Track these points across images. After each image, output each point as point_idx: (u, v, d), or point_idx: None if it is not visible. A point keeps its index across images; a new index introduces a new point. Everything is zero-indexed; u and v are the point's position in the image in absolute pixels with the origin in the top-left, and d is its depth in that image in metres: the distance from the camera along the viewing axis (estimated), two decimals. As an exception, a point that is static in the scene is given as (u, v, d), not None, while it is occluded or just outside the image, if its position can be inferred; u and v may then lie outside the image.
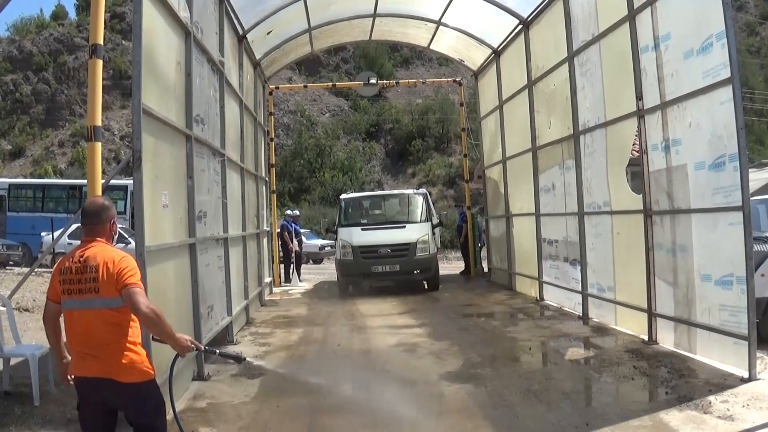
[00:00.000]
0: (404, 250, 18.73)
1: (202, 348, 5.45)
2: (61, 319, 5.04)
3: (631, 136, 11.58)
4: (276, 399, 8.60)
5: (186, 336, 5.08)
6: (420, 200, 20.77)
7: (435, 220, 21.42)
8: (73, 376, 4.94)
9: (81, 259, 4.89)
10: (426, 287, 19.68)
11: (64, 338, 5.09)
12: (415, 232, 19.20)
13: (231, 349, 11.44)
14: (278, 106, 59.05)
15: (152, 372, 4.97)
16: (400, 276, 19.08)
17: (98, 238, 5.03)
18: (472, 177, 24.01)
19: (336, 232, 20.35)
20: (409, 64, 75.66)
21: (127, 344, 4.85)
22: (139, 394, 4.89)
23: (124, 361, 4.79)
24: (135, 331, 4.93)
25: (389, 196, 23.93)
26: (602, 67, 12.14)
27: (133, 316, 4.85)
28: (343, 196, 22.32)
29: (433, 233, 20.17)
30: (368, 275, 18.93)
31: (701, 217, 9.34)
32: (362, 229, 19.55)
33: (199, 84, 10.78)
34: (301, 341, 12.61)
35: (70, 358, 5.07)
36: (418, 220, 20.04)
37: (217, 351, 5.70)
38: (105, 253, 4.90)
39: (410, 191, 22.33)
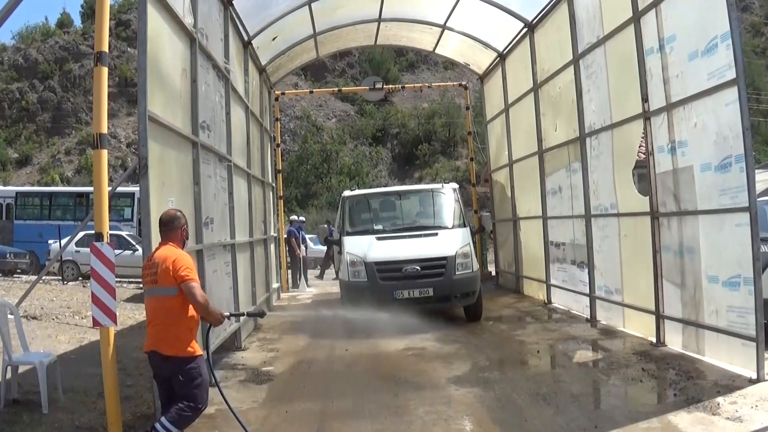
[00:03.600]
0: (439, 267, 13.57)
1: (228, 315, 6.99)
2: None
3: (638, 138, 11.57)
4: (284, 404, 8.61)
5: (219, 310, 6.66)
6: (451, 197, 15.78)
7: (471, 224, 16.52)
8: None
9: (151, 258, 6.44)
10: (465, 316, 14.59)
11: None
12: (452, 241, 14.20)
13: (239, 354, 11.48)
14: (284, 112, 59.09)
15: (194, 350, 6.28)
16: (434, 303, 13.64)
17: (169, 243, 6.49)
18: (478, 180, 23.83)
19: (338, 243, 15.62)
20: (414, 68, 75.63)
21: (174, 326, 6.22)
22: (179, 367, 6.19)
23: (171, 338, 6.19)
24: (182, 314, 6.25)
25: (409, 192, 17.42)
26: (607, 69, 12.14)
27: (183, 302, 6.21)
28: (347, 193, 16.74)
29: (474, 243, 15.52)
30: (389, 304, 13.03)
31: (708, 218, 9.33)
32: (377, 239, 14.43)
33: (205, 90, 10.81)
34: (309, 346, 12.62)
35: None
36: (452, 224, 15.08)
37: (245, 312, 7.73)
38: (168, 252, 6.33)
39: (437, 186, 16.84)
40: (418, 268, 13.46)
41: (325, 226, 18.84)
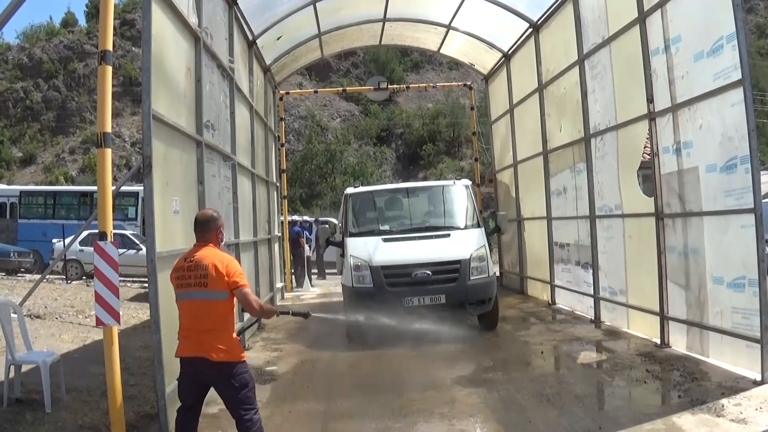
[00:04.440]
0: (452, 272, 12.49)
1: (278, 312, 6.85)
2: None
3: (642, 139, 11.54)
4: (288, 404, 8.61)
5: (271, 306, 6.99)
6: (464, 195, 14.48)
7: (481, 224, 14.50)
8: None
9: (193, 260, 6.13)
10: (479, 324, 13.46)
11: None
12: (466, 243, 13.02)
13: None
14: (289, 112, 59.10)
15: (241, 355, 6.18)
16: (447, 311, 12.30)
17: (209, 244, 6.29)
18: (483, 181, 23.75)
19: (340, 244, 14.29)
20: (419, 68, 75.55)
21: (225, 331, 6.07)
22: (233, 373, 6.03)
23: (218, 345, 5.96)
24: (230, 319, 6.15)
25: (417, 189, 16.10)
26: (613, 69, 12.12)
27: (230, 307, 6.12)
28: (350, 190, 15.21)
29: (490, 244, 14.26)
30: (397, 312, 11.59)
31: (713, 219, 9.31)
32: (384, 240, 13.24)
33: (209, 90, 10.80)
34: (312, 346, 12.61)
35: None
36: (465, 224, 13.86)
37: (290, 312, 7.18)
38: (214, 255, 6.14)
39: (448, 182, 15.33)
40: (429, 272, 12.31)
41: (326, 226, 17.95)
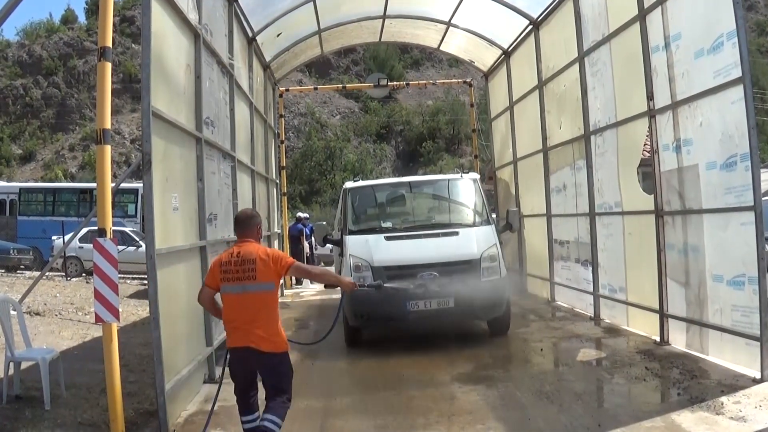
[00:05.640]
0: (462, 272, 11.29)
1: (366, 285, 7.59)
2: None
3: (642, 136, 11.54)
4: (287, 401, 8.59)
5: (350, 279, 7.27)
6: (472, 189, 13.45)
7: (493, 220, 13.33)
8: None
9: (238, 255, 6.43)
10: (489, 329, 12.49)
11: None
12: (476, 241, 11.99)
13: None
14: (288, 109, 59.15)
15: (285, 345, 6.52)
16: (455, 316, 11.62)
17: (251, 240, 6.63)
18: (483, 178, 23.72)
19: (338, 243, 13.13)
20: (419, 65, 75.65)
21: (272, 321, 6.43)
22: (274, 362, 6.43)
23: (263, 335, 6.32)
24: (276, 310, 6.53)
25: (422, 183, 15.21)
26: (613, 67, 12.11)
27: (276, 298, 6.51)
28: (349, 184, 14.05)
29: (501, 242, 12.75)
30: (402, 317, 11.22)
31: (713, 217, 9.31)
32: (386, 239, 12.14)
33: (209, 86, 10.79)
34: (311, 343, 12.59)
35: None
36: (474, 221, 12.84)
37: (382, 283, 7.74)
38: (258, 249, 6.47)
39: (454, 176, 14.18)
40: (435, 273, 11.07)
41: (324, 223, 17.29)
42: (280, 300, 18.62)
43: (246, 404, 6.68)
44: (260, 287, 6.33)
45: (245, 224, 6.75)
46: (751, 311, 8.45)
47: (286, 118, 34.37)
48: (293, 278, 23.02)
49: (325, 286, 7.35)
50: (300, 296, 20.40)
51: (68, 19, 78.36)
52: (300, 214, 26.33)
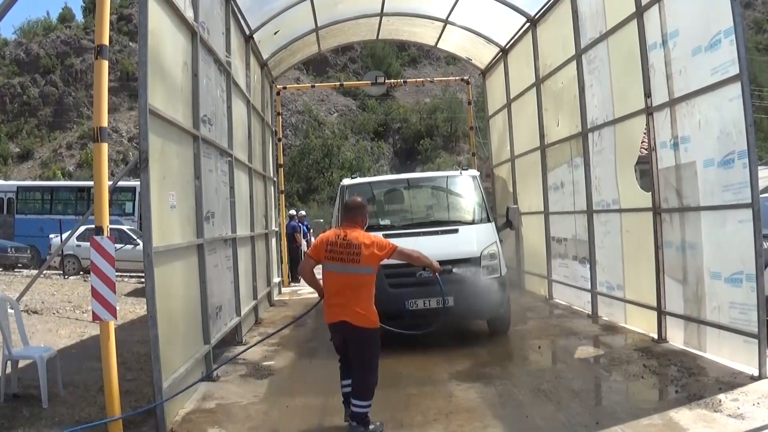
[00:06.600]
0: (461, 271, 10.75)
1: (438, 269, 8.02)
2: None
3: (640, 134, 11.54)
4: (285, 399, 8.60)
5: (426, 258, 7.83)
6: (472, 186, 13.23)
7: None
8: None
9: (345, 238, 7.24)
10: (489, 328, 12.41)
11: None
12: (476, 239, 11.79)
13: (240, 349, 11.41)
14: (286, 107, 59.12)
15: (377, 323, 7.30)
16: (455, 315, 11.11)
17: (357, 227, 7.41)
18: (481, 176, 23.71)
19: None
20: (416, 63, 75.72)
21: (366, 300, 7.21)
22: (365, 336, 7.20)
23: (359, 311, 7.13)
24: (372, 290, 7.29)
25: (420, 180, 14.80)
26: (610, 64, 12.11)
27: (373, 280, 7.29)
28: (347, 181, 13.94)
29: (501, 240, 12.52)
30: (400, 317, 10.67)
31: (710, 214, 9.31)
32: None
33: (206, 84, 10.78)
34: (310, 340, 12.62)
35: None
36: (474, 218, 12.64)
37: (453, 269, 8.84)
38: (363, 236, 7.27)
39: (453, 172, 13.86)
40: (435, 274, 9.64)
41: (321, 221, 16.89)
42: (277, 298, 18.69)
43: (346, 370, 7.52)
44: (361, 270, 7.14)
45: (354, 211, 7.55)
46: (749, 308, 8.45)
47: (283, 116, 34.33)
48: (290, 276, 23.05)
49: (423, 269, 8.37)
50: (298, 294, 20.40)
51: (66, 17, 78.36)
52: (292, 212, 26.20)
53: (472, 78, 26.22)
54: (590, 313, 13.31)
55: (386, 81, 25.39)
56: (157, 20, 8.32)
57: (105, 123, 7.12)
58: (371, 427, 7.26)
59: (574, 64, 13.55)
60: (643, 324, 11.43)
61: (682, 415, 7.26)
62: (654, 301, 10.78)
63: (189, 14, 9.71)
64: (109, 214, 7.20)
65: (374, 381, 7.32)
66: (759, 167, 9.18)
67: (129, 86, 61.65)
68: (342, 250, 7.19)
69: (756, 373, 8.27)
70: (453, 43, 21.18)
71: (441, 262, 9.82)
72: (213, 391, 9.02)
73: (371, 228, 12.34)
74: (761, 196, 8.72)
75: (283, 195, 23.14)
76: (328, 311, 7.33)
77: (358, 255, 7.13)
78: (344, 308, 7.15)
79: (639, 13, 10.79)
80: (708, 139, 9.19)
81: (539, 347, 11.12)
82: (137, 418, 7.73)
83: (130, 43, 66.74)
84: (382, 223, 12.54)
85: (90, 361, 10.09)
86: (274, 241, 19.75)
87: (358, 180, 14.07)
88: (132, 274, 24.08)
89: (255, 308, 14.58)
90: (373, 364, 7.33)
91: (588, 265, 13.43)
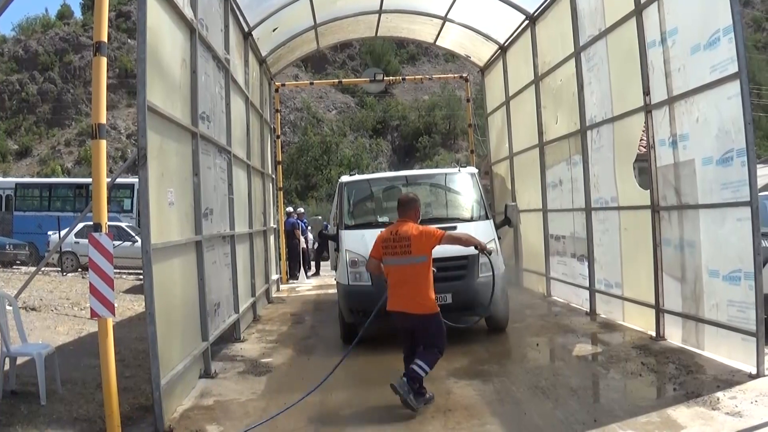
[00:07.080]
0: (459, 268, 11.03)
1: (485, 247, 8.55)
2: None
3: (639, 132, 11.53)
4: (283, 396, 8.58)
5: (476, 238, 8.55)
6: (470, 183, 13.24)
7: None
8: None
9: (397, 233, 8.00)
10: (487, 326, 12.16)
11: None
12: (474, 236, 9.87)
13: (238, 346, 11.41)
14: (284, 104, 59.07)
15: (436, 308, 7.97)
16: (452, 314, 9.97)
17: (408, 220, 8.10)
18: (479, 173, 23.69)
19: (334, 237, 13.29)
20: (415, 60, 75.72)
21: (423, 288, 7.86)
22: (426, 322, 7.91)
23: (418, 300, 7.82)
24: (429, 278, 7.92)
25: (419, 177, 14.56)
26: (609, 62, 12.10)
27: (428, 267, 7.94)
28: (345, 178, 13.82)
29: (500, 238, 12.75)
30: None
31: (709, 212, 9.31)
32: None
33: (205, 81, 10.77)
34: (308, 338, 12.61)
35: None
36: (472, 215, 12.65)
37: (485, 250, 8.63)
38: (413, 228, 7.96)
39: (452, 170, 13.86)
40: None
41: (319, 218, 16.89)
42: (275, 295, 18.70)
43: (408, 353, 8.15)
44: (414, 260, 7.83)
45: (406, 206, 8.24)
46: (747, 307, 8.45)
47: (282, 113, 34.33)
48: (288, 274, 23.04)
49: (475, 247, 8.71)
50: (296, 291, 20.42)
51: (64, 14, 78.27)
52: (289, 209, 26.17)
53: (471, 75, 26.25)
54: (588, 310, 13.31)
55: (385, 78, 25.38)
56: (156, 17, 8.31)
57: (103, 120, 7.10)
58: (427, 395, 7.95)
59: (572, 61, 13.54)
60: (641, 322, 11.43)
61: (679, 412, 7.26)
62: (652, 298, 10.78)
63: (188, 11, 9.70)
64: (108, 211, 7.18)
65: (439, 356, 8.01)
66: (758, 165, 9.19)
67: (127, 83, 61.67)
68: (395, 245, 7.92)
69: (754, 371, 8.27)
70: (452, 40, 21.17)
71: (439, 259, 9.77)
72: (211, 388, 9.02)
73: (370, 225, 12.61)
74: (760, 194, 8.73)
75: (282, 192, 23.12)
76: (390, 300, 8.02)
77: (408, 246, 7.83)
78: (404, 298, 7.86)
79: (638, 11, 10.78)
80: (707, 137, 9.18)
81: (537, 345, 11.12)
82: (135, 415, 7.75)
83: (129, 40, 66.71)
84: (380, 219, 12.55)
85: (88, 358, 10.08)
86: (272, 238, 19.73)
87: (357, 177, 13.90)
88: (130, 271, 24.08)
89: (253, 305, 14.58)
90: (441, 342, 7.99)
91: (586, 263, 13.43)
